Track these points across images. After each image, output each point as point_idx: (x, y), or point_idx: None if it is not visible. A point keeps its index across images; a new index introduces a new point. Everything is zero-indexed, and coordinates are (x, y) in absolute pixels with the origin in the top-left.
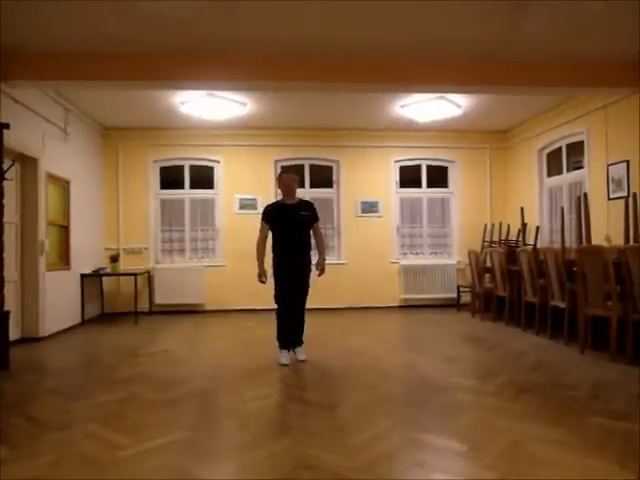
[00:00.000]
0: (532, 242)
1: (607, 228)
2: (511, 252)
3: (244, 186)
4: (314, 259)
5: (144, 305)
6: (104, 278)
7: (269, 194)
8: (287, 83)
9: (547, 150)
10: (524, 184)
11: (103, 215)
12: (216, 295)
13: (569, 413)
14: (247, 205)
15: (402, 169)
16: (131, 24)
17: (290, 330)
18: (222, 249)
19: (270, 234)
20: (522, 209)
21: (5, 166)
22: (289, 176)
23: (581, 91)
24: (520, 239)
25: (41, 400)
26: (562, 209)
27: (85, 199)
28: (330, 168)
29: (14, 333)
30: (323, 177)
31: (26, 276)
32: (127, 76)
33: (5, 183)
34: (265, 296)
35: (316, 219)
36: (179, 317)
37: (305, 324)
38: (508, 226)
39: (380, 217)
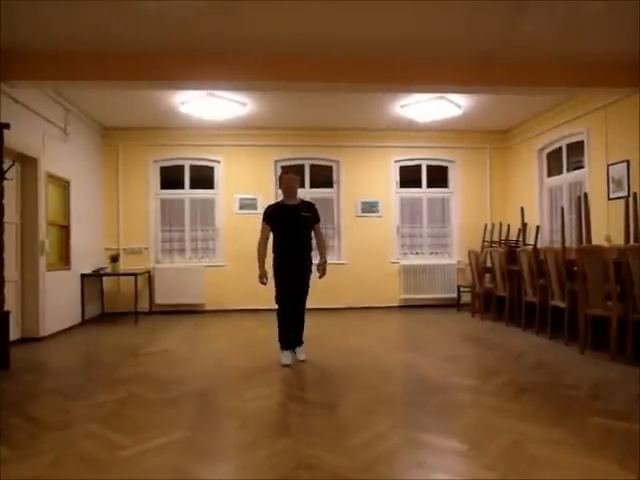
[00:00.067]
0: (532, 242)
1: (607, 228)
2: (511, 252)
3: (244, 186)
4: (315, 260)
5: (144, 305)
6: (104, 278)
7: (269, 194)
8: (287, 83)
9: (547, 150)
10: (524, 184)
11: (103, 215)
12: (216, 295)
13: (569, 413)
14: (247, 205)
15: (402, 169)
16: (131, 24)
17: (290, 330)
18: (222, 249)
19: (271, 235)
20: (522, 209)
21: (5, 166)
22: (290, 177)
23: (581, 91)
24: (520, 239)
25: (41, 400)
26: (562, 209)
27: (85, 199)
28: (330, 168)
29: (14, 333)
30: (323, 177)
31: (26, 276)
32: (127, 76)
33: (5, 183)
34: (265, 296)
35: (317, 220)
36: (179, 317)
37: (305, 324)
38: (508, 226)
39: (380, 217)
